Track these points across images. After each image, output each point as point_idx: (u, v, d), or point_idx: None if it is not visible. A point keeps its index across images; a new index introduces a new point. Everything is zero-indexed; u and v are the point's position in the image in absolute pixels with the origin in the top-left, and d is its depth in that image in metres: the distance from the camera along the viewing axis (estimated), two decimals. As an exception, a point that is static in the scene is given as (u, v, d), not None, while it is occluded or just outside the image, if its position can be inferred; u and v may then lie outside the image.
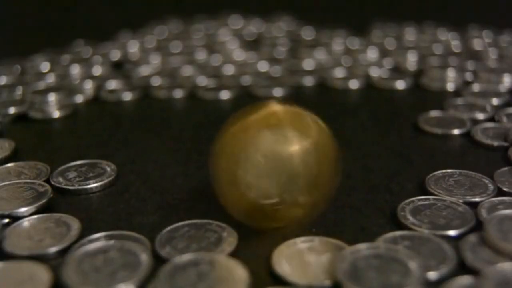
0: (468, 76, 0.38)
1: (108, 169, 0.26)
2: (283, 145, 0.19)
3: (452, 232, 0.20)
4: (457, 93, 0.36)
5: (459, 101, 0.34)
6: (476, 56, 0.42)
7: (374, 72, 0.39)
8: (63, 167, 0.26)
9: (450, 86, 0.37)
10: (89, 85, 0.38)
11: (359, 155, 0.28)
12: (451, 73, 0.38)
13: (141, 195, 0.24)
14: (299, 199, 0.20)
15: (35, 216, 0.22)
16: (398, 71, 0.40)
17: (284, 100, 0.21)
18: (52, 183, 0.25)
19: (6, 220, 0.22)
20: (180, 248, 0.20)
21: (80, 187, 0.25)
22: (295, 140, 0.20)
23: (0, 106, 0.34)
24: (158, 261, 0.19)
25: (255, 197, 0.20)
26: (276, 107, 0.20)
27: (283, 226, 0.21)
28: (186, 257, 0.19)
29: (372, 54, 0.43)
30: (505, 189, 0.23)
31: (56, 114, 0.34)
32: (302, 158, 0.19)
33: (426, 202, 0.22)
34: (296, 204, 0.20)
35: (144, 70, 0.41)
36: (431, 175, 0.25)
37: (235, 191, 0.20)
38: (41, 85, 0.38)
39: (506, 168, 0.25)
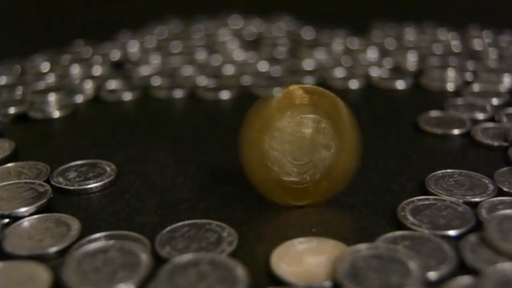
0: (468, 76, 0.38)
1: (108, 169, 0.26)
2: (303, 126, 0.21)
3: (452, 232, 0.20)
4: (457, 93, 0.36)
5: (459, 101, 0.34)
6: (476, 56, 0.42)
7: (374, 72, 0.39)
8: (63, 167, 0.26)
9: (450, 86, 0.37)
10: (89, 85, 0.38)
11: (359, 155, 0.28)
12: (451, 73, 0.38)
13: (141, 195, 0.24)
14: (318, 179, 0.21)
15: (35, 216, 0.22)
16: (398, 71, 0.40)
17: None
18: (52, 183, 0.25)
19: (6, 220, 0.22)
20: (180, 248, 0.20)
21: (80, 187, 0.25)
22: (316, 121, 0.21)
23: (0, 106, 0.34)
24: (158, 261, 0.19)
25: (278, 175, 0.21)
26: (298, 89, 0.22)
27: (304, 204, 0.22)
28: (186, 257, 0.19)
29: (372, 54, 0.43)
30: (505, 189, 0.23)
31: (56, 114, 0.34)
32: (321, 138, 0.21)
33: (426, 202, 0.22)
34: (316, 184, 0.22)
35: (144, 70, 0.41)
36: (431, 175, 0.25)
37: (261, 169, 0.22)
38: (41, 85, 0.38)
39: (506, 168, 0.25)
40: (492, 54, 0.42)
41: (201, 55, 0.44)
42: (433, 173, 0.25)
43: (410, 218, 0.21)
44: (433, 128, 0.30)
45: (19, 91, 0.37)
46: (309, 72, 0.40)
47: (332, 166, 0.22)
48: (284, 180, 0.22)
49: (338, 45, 0.46)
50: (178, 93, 0.37)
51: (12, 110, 0.34)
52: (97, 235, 0.21)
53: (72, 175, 0.26)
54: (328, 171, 0.22)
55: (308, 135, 0.21)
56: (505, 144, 0.28)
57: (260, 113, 0.22)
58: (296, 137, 0.21)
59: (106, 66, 0.42)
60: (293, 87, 0.22)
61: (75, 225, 0.21)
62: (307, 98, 0.21)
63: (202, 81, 0.39)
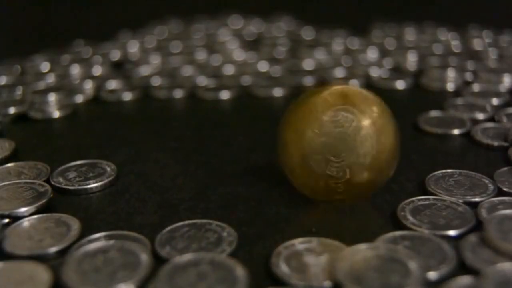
0: (468, 76, 0.38)
1: (108, 169, 0.26)
2: (345, 123, 0.21)
3: (452, 232, 0.20)
4: (457, 93, 0.36)
5: (459, 101, 0.34)
6: (476, 56, 0.42)
7: (374, 72, 0.39)
8: (63, 167, 0.26)
9: (450, 86, 0.37)
10: (89, 85, 0.38)
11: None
12: (451, 73, 0.38)
13: (141, 195, 0.24)
14: (359, 176, 0.21)
15: (35, 216, 0.22)
16: (398, 71, 0.40)
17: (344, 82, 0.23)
18: (52, 183, 0.25)
19: (6, 220, 0.22)
20: (180, 248, 0.20)
21: (80, 187, 0.25)
22: (357, 118, 0.21)
23: (0, 106, 0.34)
24: (158, 261, 0.19)
25: (320, 171, 0.21)
26: (339, 87, 0.22)
27: (344, 200, 0.23)
28: (186, 257, 0.19)
29: (372, 54, 0.43)
30: (505, 189, 0.23)
31: (56, 114, 0.34)
32: (363, 135, 0.21)
33: (426, 202, 0.22)
34: (357, 180, 0.22)
35: (144, 70, 0.41)
36: (431, 175, 0.25)
37: (302, 167, 0.22)
38: (41, 85, 0.38)
39: (506, 168, 0.25)
40: (492, 54, 0.42)
41: (201, 55, 0.44)
42: (433, 173, 0.25)
43: (410, 218, 0.21)
44: (433, 128, 0.30)
45: (19, 91, 0.37)
46: (309, 72, 0.40)
47: (368, 168, 0.21)
48: (318, 173, 0.22)
49: (338, 45, 0.46)
50: (178, 93, 0.37)
51: (12, 110, 0.34)
52: (97, 235, 0.21)
53: (72, 175, 0.26)
54: (364, 172, 0.22)
55: (348, 134, 0.21)
56: (505, 144, 0.28)
57: (304, 104, 0.22)
58: (336, 134, 0.21)
59: (106, 66, 0.42)
60: (342, 87, 0.22)
61: (75, 225, 0.21)
62: (352, 100, 0.22)
63: (202, 81, 0.39)
